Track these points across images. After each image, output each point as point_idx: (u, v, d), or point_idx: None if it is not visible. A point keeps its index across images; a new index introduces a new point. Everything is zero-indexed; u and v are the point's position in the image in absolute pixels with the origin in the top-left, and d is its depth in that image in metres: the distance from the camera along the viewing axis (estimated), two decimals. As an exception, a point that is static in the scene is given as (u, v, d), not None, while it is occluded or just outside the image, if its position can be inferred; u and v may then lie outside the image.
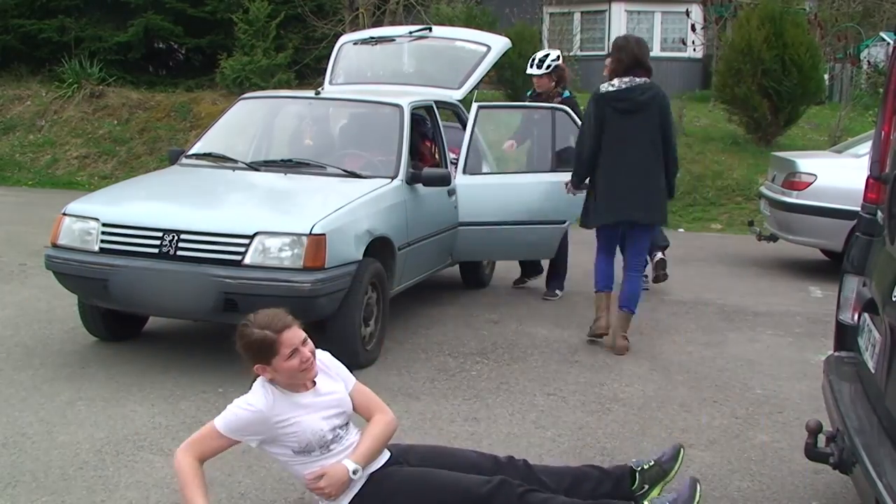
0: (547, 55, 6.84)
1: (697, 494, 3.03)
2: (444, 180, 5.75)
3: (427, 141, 6.38)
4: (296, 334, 2.81)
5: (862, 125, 13.25)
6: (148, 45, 16.29)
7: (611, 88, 5.19)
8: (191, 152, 5.87)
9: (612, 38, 18.42)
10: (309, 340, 2.87)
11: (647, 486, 3.14)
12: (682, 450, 3.28)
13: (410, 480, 2.91)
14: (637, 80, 5.16)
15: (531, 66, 6.82)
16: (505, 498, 2.85)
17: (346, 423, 2.98)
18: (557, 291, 6.68)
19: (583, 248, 6.57)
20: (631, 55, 5.21)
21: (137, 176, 7.08)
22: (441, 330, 5.71)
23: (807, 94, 12.42)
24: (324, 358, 3.05)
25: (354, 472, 2.83)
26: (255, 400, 2.83)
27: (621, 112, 5.14)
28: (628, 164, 5.16)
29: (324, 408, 2.90)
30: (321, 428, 2.86)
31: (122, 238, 4.69)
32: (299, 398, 2.87)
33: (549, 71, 6.74)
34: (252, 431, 2.84)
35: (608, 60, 5.67)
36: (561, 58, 6.90)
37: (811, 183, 7.57)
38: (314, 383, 2.93)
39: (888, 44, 16.62)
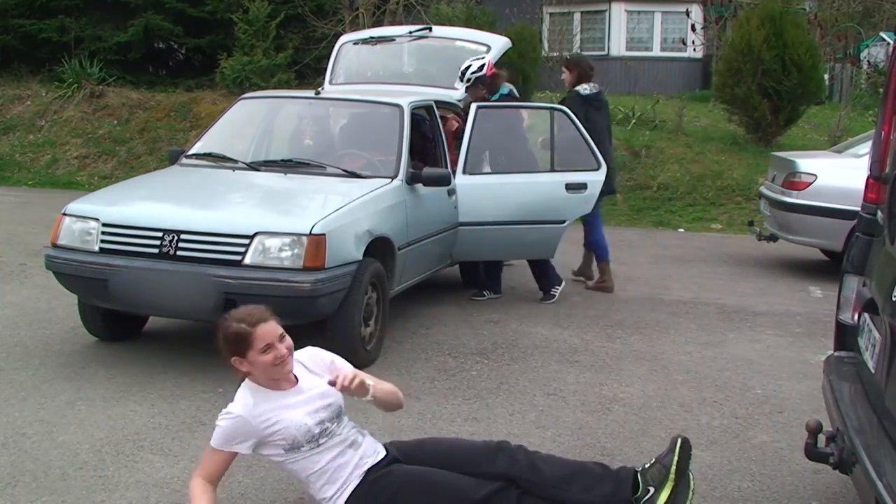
0: (468, 67, 6.64)
1: (677, 447, 3.00)
2: (444, 180, 5.75)
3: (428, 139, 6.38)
4: (272, 329, 2.86)
5: (862, 125, 13.25)
6: (148, 45, 16.28)
7: (588, 91, 6.70)
8: (191, 152, 5.87)
9: (611, 39, 18.62)
10: (287, 337, 2.91)
11: (651, 490, 3.00)
12: (679, 439, 3.13)
13: (409, 480, 2.90)
14: (597, 85, 6.80)
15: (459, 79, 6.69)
16: (504, 500, 2.85)
17: (337, 417, 2.98)
18: (555, 289, 6.64)
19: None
20: (587, 67, 6.88)
21: (137, 176, 7.08)
22: (441, 330, 5.71)
23: (807, 94, 12.41)
24: (305, 354, 3.09)
25: (371, 392, 2.97)
26: (234, 407, 2.88)
27: (597, 109, 6.72)
28: (609, 147, 6.82)
29: (307, 403, 2.92)
30: (305, 423, 2.87)
31: (122, 238, 4.69)
32: (281, 396, 2.90)
33: (469, 85, 6.61)
34: (240, 438, 2.86)
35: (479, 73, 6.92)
36: (486, 66, 6.67)
37: (811, 183, 7.56)
38: (296, 380, 2.96)
39: (888, 44, 16.62)
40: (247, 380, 2.94)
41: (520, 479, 2.94)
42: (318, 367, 3.07)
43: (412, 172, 5.54)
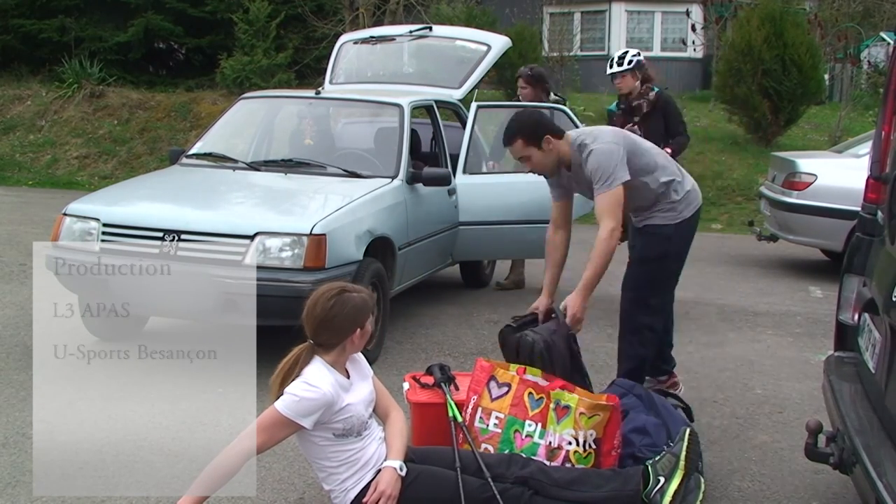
0: (626, 52, 6.36)
1: (686, 436, 3.01)
2: (444, 180, 5.75)
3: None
4: None
5: (862, 125, 13.26)
6: (148, 45, 16.28)
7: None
8: (191, 152, 5.87)
9: (611, 39, 18.55)
10: None
11: (662, 479, 3.05)
12: (687, 429, 3.21)
13: (421, 474, 2.95)
14: None
15: (610, 67, 6.34)
16: (515, 499, 2.90)
17: (373, 412, 3.05)
18: None
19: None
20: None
21: (138, 176, 7.07)
22: (441, 330, 5.71)
23: (807, 94, 12.43)
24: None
25: (401, 469, 2.90)
26: (318, 381, 2.82)
27: None
28: None
29: (363, 394, 2.98)
30: (363, 414, 2.93)
31: (123, 238, 4.69)
32: (349, 383, 2.93)
33: (630, 67, 6.23)
34: (314, 412, 2.79)
35: None
36: (641, 55, 6.46)
37: (811, 183, 7.57)
38: (348, 373, 2.98)
39: (888, 44, 16.62)
40: (320, 360, 2.90)
41: (531, 480, 3.00)
42: (360, 367, 3.09)
43: (412, 172, 5.54)
